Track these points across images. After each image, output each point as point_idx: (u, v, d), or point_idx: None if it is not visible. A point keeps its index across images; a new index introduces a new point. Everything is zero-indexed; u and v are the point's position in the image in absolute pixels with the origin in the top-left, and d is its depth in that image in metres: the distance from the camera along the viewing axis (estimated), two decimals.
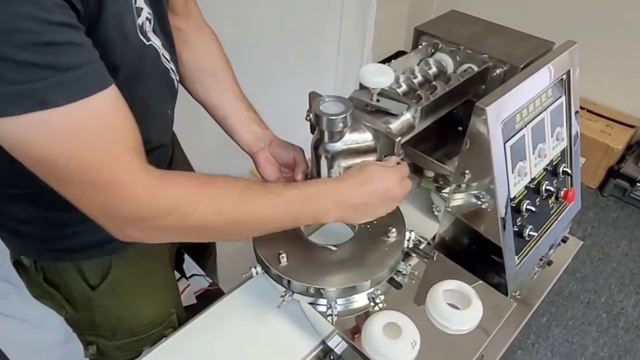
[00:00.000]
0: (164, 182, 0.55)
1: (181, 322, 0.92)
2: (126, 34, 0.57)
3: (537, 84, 0.83)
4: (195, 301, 1.33)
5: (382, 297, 0.77)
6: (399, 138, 0.70)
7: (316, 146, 0.74)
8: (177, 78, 0.77)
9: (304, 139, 0.83)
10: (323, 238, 0.87)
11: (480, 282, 0.86)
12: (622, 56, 2.30)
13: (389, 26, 2.82)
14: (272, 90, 1.81)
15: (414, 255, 0.94)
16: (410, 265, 0.86)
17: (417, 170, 1.08)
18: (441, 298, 0.77)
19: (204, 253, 1.20)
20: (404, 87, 0.90)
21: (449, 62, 0.96)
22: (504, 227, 0.83)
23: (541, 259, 1.09)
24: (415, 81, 0.92)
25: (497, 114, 0.75)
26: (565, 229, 1.10)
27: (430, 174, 1.08)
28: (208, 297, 1.31)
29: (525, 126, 0.83)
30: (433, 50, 0.99)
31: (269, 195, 0.64)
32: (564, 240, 1.13)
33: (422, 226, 1.04)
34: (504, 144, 0.79)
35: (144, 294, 0.88)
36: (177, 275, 1.17)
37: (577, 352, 1.67)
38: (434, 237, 0.99)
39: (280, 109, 1.49)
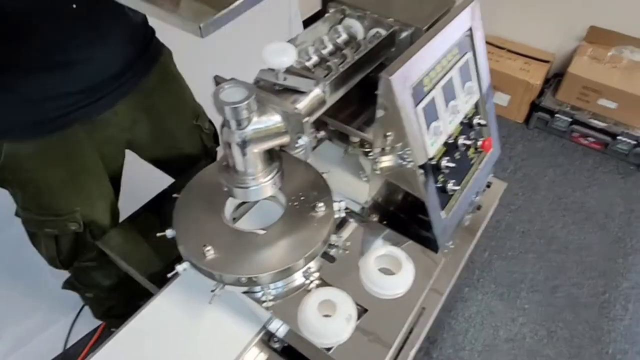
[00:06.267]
0: None
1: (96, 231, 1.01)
2: None
3: (441, 45, 0.81)
4: None
5: (317, 274, 0.76)
6: (307, 118, 0.67)
7: (225, 135, 0.70)
8: None
9: None
10: (251, 223, 0.84)
11: (410, 242, 0.86)
12: None
13: None
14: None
15: (351, 221, 0.92)
16: (341, 236, 0.84)
17: (343, 137, 1.06)
18: (372, 266, 0.76)
19: None
20: (314, 58, 0.86)
21: (358, 28, 0.92)
22: (426, 186, 0.83)
23: (471, 205, 1.11)
24: (325, 51, 0.87)
25: (403, 81, 0.73)
26: (488, 175, 1.11)
27: (356, 139, 1.06)
28: None
29: (435, 87, 0.82)
30: (342, 17, 0.94)
31: None
32: (488, 186, 1.14)
33: (355, 191, 1.03)
34: (415, 107, 0.77)
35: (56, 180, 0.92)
36: None
37: (517, 279, 1.76)
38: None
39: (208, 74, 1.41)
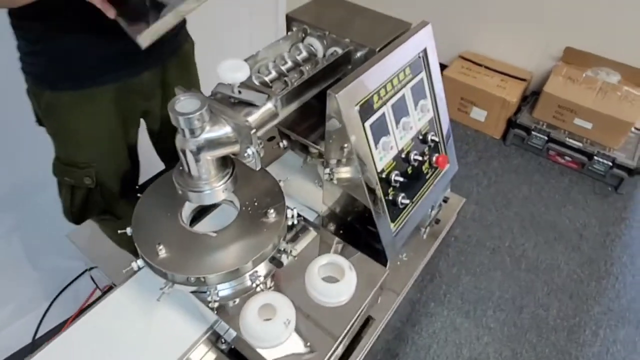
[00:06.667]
0: None
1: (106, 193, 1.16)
2: None
3: (391, 65, 0.88)
4: None
5: (262, 278, 0.82)
6: (254, 130, 0.74)
7: (179, 142, 0.77)
8: None
9: None
10: (211, 226, 0.91)
11: (358, 252, 0.93)
12: (513, 16, 2.45)
13: None
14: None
15: (306, 229, 0.99)
16: (291, 243, 0.91)
17: (303, 147, 1.13)
18: (316, 274, 0.83)
19: None
20: (273, 73, 0.93)
21: (318, 47, 1.00)
22: (374, 198, 0.90)
23: (430, 219, 1.18)
24: (285, 67, 0.95)
25: (349, 99, 0.80)
26: (444, 190, 1.19)
27: (315, 150, 1.13)
28: None
29: (385, 104, 0.89)
30: (303, 36, 1.02)
31: None
32: (445, 201, 1.21)
33: (313, 200, 1.10)
34: (363, 124, 0.84)
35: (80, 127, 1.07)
36: None
37: (484, 297, 1.79)
38: None
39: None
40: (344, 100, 0.79)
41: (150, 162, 1.36)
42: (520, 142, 2.41)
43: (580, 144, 2.26)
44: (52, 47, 0.96)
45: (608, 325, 1.72)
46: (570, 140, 2.28)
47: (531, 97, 2.46)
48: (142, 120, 1.25)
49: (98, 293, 1.43)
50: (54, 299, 1.61)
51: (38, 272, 1.65)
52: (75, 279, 1.66)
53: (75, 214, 1.18)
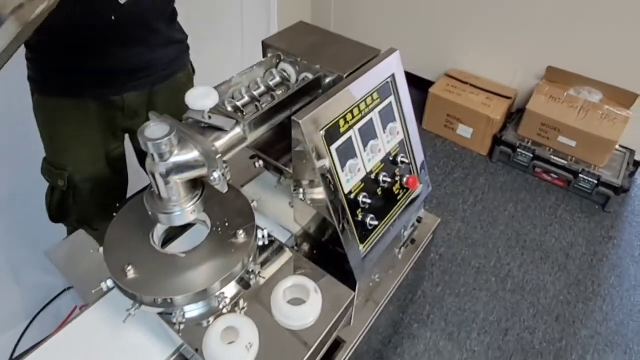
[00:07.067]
0: None
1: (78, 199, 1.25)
2: None
3: (358, 91, 0.94)
4: None
5: (228, 300, 0.87)
6: (219, 155, 0.79)
7: (149, 166, 0.82)
8: None
9: None
10: (184, 246, 0.95)
11: (326, 275, 0.97)
12: (498, 35, 2.53)
13: (294, 1, 2.95)
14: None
15: (277, 249, 1.03)
16: (261, 264, 0.96)
17: (277, 168, 1.18)
18: (281, 297, 0.87)
19: None
20: (245, 98, 0.99)
21: (291, 72, 1.06)
22: (340, 221, 0.95)
23: (404, 240, 1.23)
24: (257, 92, 1.01)
25: (314, 124, 0.85)
26: (417, 211, 1.24)
27: (290, 170, 1.19)
28: None
29: (351, 128, 0.95)
30: (277, 61, 1.08)
31: None
32: (418, 221, 1.27)
33: (286, 220, 1.14)
34: (329, 147, 0.90)
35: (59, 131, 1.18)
36: None
37: (469, 319, 1.80)
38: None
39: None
40: (309, 126, 0.84)
41: (143, 178, 1.40)
42: (507, 159, 2.48)
43: (565, 162, 2.32)
44: (41, 57, 1.11)
45: (596, 350, 1.72)
46: (555, 158, 2.33)
47: (516, 115, 2.53)
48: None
49: (78, 312, 1.46)
50: (34, 317, 1.64)
51: (20, 288, 1.67)
52: (57, 296, 1.68)
53: (53, 213, 1.28)
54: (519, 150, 2.38)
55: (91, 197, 1.27)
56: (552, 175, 2.38)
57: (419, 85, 2.69)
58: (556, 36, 2.38)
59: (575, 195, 2.36)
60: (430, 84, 2.65)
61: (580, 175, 2.28)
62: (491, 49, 2.58)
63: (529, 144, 2.39)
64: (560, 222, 2.23)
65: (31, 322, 1.63)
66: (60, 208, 1.27)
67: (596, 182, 2.25)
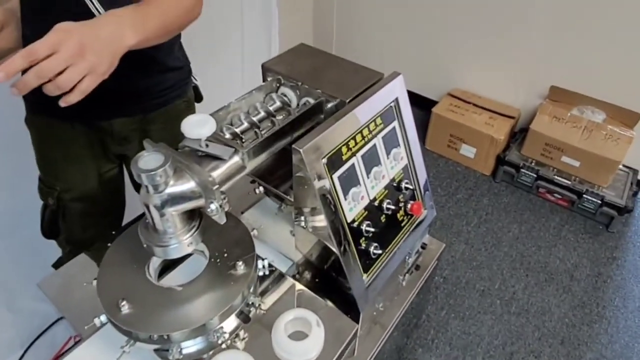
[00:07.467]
0: None
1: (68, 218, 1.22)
2: None
3: (361, 116, 0.91)
4: None
5: (227, 335, 0.83)
6: (217, 186, 0.76)
7: (143, 197, 0.78)
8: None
9: None
10: (181, 277, 0.91)
11: (329, 305, 0.93)
12: (501, 55, 2.53)
13: (295, 23, 2.94)
14: None
15: (278, 280, 1.00)
16: (261, 295, 0.92)
17: (278, 195, 1.15)
18: (282, 331, 0.83)
19: None
20: (245, 124, 0.96)
21: (292, 97, 1.03)
22: (344, 251, 0.91)
23: (408, 267, 1.19)
24: (257, 117, 0.97)
25: (315, 152, 0.82)
26: (422, 237, 1.20)
27: (291, 197, 1.15)
28: None
29: (354, 155, 0.91)
30: (278, 85, 1.05)
31: None
32: (423, 247, 1.23)
33: (288, 248, 1.10)
34: (331, 176, 0.86)
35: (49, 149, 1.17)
36: None
37: (473, 342, 1.78)
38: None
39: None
40: (309, 154, 0.81)
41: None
42: (510, 179, 2.45)
43: (569, 182, 2.30)
44: None
45: None
46: (559, 178, 2.31)
47: (520, 134, 2.51)
48: None
49: (72, 342, 1.42)
50: (29, 346, 1.60)
51: (15, 315, 1.64)
52: (52, 325, 1.65)
53: (45, 230, 1.26)
54: (522, 170, 2.36)
55: (81, 217, 1.25)
56: (556, 195, 2.35)
57: (421, 105, 2.68)
58: (559, 55, 2.38)
59: (579, 215, 2.34)
60: (433, 103, 2.64)
61: (584, 196, 2.26)
62: (494, 68, 2.58)
63: (533, 164, 2.37)
64: (564, 243, 2.21)
65: (26, 351, 1.59)
66: (51, 226, 1.25)
67: (600, 202, 2.23)
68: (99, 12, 0.92)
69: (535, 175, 2.35)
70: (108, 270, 0.88)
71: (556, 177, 2.32)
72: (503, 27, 2.46)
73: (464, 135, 2.45)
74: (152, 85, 1.16)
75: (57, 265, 1.38)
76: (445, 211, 2.35)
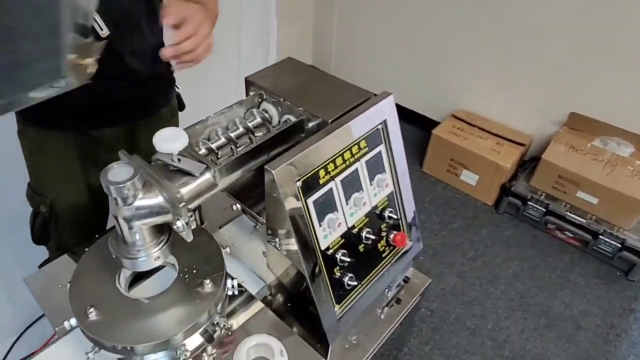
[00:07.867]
0: None
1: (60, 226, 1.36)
2: None
3: (342, 138, 0.99)
4: None
5: (188, 353, 0.90)
6: (184, 203, 0.83)
7: (112, 209, 0.86)
8: None
9: None
10: (151, 289, 0.99)
11: (295, 335, 1.00)
12: (512, 73, 2.57)
13: (294, 34, 3.04)
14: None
15: (248, 301, 1.07)
16: (228, 316, 0.99)
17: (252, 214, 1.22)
18: (243, 356, 0.90)
19: None
20: (222, 139, 1.04)
21: (273, 113, 1.12)
22: (315, 280, 0.98)
23: (388, 300, 1.25)
24: (235, 133, 1.05)
25: (289, 174, 0.90)
26: (405, 270, 1.27)
27: (263, 220, 1.23)
28: None
29: (332, 179, 0.99)
30: (260, 101, 1.13)
31: None
32: (405, 281, 1.29)
33: (261, 268, 1.17)
34: (305, 200, 0.94)
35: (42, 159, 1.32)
36: None
37: None
38: None
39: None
40: (283, 176, 0.88)
41: None
42: (515, 212, 2.51)
43: (583, 220, 2.33)
44: None
45: None
46: (572, 215, 2.35)
47: (530, 163, 2.57)
48: None
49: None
50: (22, 333, 1.88)
51: (12, 304, 1.92)
52: (42, 316, 1.86)
53: (35, 237, 1.41)
54: (529, 203, 2.42)
55: (72, 226, 1.40)
56: (567, 233, 2.40)
57: (422, 125, 2.74)
58: (581, 78, 2.38)
59: (593, 258, 2.37)
60: (434, 123, 2.71)
61: (601, 237, 2.28)
62: (504, 88, 2.62)
63: (542, 197, 2.43)
64: (572, 287, 2.24)
65: (19, 337, 1.91)
66: (42, 232, 1.39)
67: (619, 245, 2.25)
68: (101, 29, 1.07)
69: (544, 210, 2.40)
70: (81, 276, 0.97)
71: (569, 213, 2.36)
72: (517, 44, 2.49)
73: (466, 160, 2.52)
74: (139, 93, 1.31)
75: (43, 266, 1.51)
76: (438, 240, 2.41)
